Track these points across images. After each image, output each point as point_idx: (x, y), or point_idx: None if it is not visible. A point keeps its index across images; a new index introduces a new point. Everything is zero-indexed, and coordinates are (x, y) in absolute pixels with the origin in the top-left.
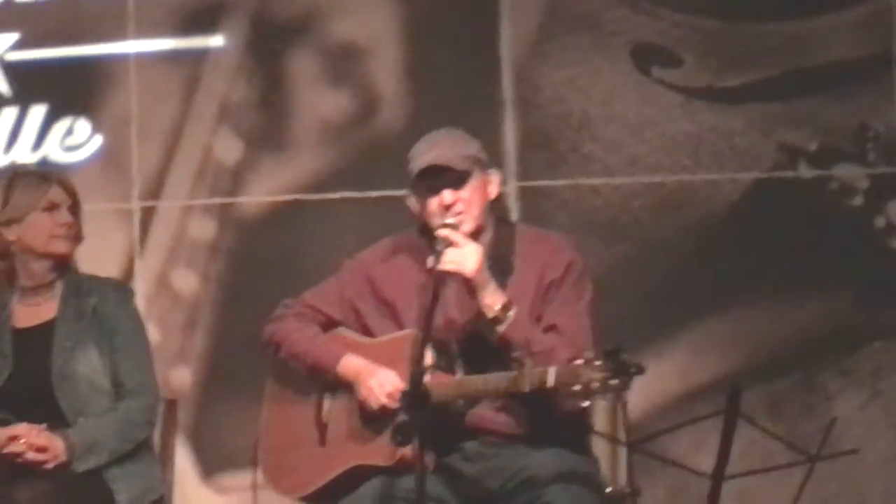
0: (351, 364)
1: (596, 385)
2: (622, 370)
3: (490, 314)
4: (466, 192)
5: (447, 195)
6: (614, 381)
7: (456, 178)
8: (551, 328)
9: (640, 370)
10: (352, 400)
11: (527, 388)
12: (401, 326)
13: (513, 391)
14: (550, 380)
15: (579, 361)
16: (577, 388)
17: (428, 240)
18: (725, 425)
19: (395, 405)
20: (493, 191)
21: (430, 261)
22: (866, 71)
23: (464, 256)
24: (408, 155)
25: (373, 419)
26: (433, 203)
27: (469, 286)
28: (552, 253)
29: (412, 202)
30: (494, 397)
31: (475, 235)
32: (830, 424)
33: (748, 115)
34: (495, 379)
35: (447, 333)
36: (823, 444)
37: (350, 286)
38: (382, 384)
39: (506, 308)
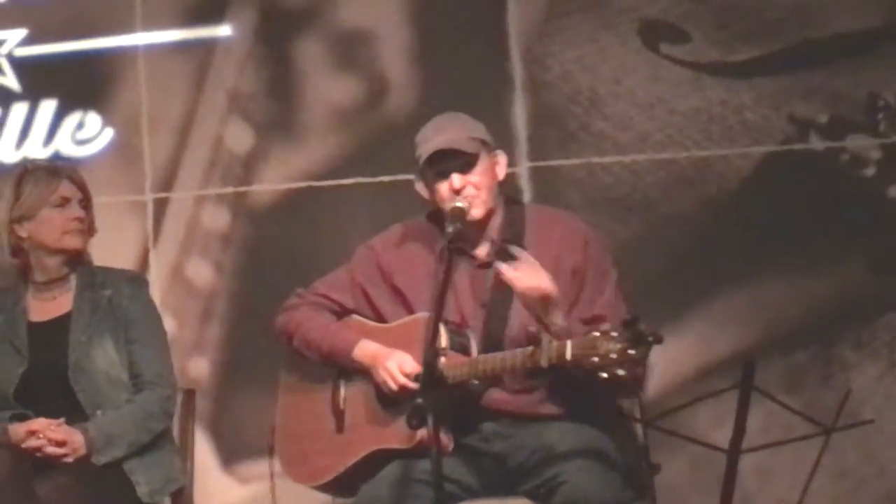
0: (366, 349)
1: (614, 356)
2: (640, 340)
3: (554, 329)
4: (476, 176)
5: (456, 179)
6: (632, 352)
7: (464, 162)
8: (598, 319)
9: (658, 339)
10: (368, 385)
11: (545, 363)
12: (411, 312)
13: (530, 367)
14: (568, 353)
15: (596, 333)
16: (595, 359)
17: (437, 225)
18: (740, 399)
19: (413, 385)
20: (501, 172)
21: (500, 266)
22: (875, 41)
23: (539, 275)
24: (414, 140)
25: (390, 403)
26: (443, 188)
27: (544, 304)
28: (566, 234)
29: (420, 187)
30: (511, 375)
31: (486, 218)
32: (845, 396)
33: (758, 89)
34: (511, 356)
35: (460, 316)
36: (839, 415)
37: (361, 272)
38: (401, 364)
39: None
